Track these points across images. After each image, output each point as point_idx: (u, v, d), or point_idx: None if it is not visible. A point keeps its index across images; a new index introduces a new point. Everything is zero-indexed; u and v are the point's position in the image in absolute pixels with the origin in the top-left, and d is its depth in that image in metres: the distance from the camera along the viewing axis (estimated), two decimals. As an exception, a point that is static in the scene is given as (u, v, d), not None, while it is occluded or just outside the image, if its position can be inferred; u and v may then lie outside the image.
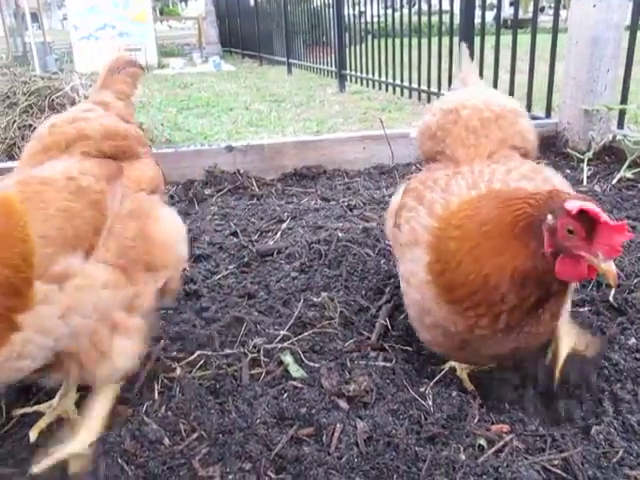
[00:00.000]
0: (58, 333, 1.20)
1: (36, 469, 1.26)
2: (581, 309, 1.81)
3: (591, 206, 1.05)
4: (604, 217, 1.05)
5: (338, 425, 1.32)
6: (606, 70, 3.38)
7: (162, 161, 3.02)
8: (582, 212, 1.05)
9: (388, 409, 1.36)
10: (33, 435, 1.39)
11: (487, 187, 1.34)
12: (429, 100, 6.26)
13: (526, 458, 1.22)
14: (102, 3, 12.99)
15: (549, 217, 1.10)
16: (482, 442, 1.26)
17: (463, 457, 1.21)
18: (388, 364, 1.55)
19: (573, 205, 1.06)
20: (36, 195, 1.24)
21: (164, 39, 17.54)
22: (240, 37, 15.35)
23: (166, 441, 1.32)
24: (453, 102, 1.60)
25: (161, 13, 25.56)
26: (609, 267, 1.06)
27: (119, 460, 1.26)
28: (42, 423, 1.42)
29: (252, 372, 1.55)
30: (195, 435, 1.34)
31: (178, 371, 1.56)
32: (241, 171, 3.13)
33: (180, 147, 3.33)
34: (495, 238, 1.16)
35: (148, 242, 1.39)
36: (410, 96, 6.77)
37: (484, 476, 1.16)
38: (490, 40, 5.07)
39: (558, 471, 1.21)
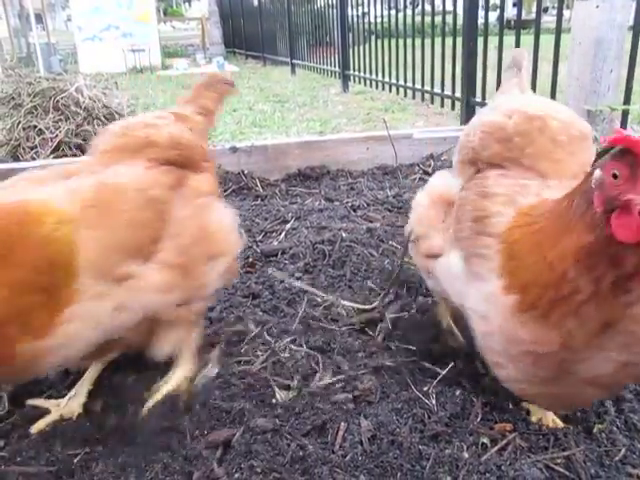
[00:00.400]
0: (108, 326, 1.30)
1: (146, 409, 1.42)
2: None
3: (633, 139, 0.92)
4: None
5: (342, 424, 1.33)
6: (609, 71, 3.39)
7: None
8: (625, 150, 0.93)
9: (392, 408, 1.37)
10: (35, 430, 1.42)
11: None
12: (432, 101, 6.27)
13: (529, 456, 1.23)
14: (106, 4, 13.04)
15: (597, 172, 1.00)
16: (485, 440, 1.27)
17: (466, 455, 1.22)
18: (392, 363, 1.56)
19: (615, 143, 0.95)
20: (108, 204, 1.32)
21: (167, 40, 17.58)
22: (244, 38, 15.39)
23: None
24: (538, 109, 1.46)
25: (165, 14, 25.62)
26: None
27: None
28: (47, 420, 1.45)
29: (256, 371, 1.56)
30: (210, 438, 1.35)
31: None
32: (245, 171, 3.14)
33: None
34: (555, 220, 1.09)
35: (207, 238, 1.50)
36: (413, 97, 6.77)
37: (487, 474, 1.17)
38: (493, 41, 5.08)
39: (561, 469, 1.22)
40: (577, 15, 3.50)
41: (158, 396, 1.46)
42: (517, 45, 4.58)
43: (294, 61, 11.33)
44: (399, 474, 1.21)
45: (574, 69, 3.51)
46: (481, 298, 1.24)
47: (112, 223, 1.30)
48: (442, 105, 6.09)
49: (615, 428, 1.35)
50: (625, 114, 3.60)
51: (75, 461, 1.32)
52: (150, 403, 1.45)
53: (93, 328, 1.27)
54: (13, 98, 4.93)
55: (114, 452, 1.34)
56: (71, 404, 1.49)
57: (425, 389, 1.45)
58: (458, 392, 1.45)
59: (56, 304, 1.20)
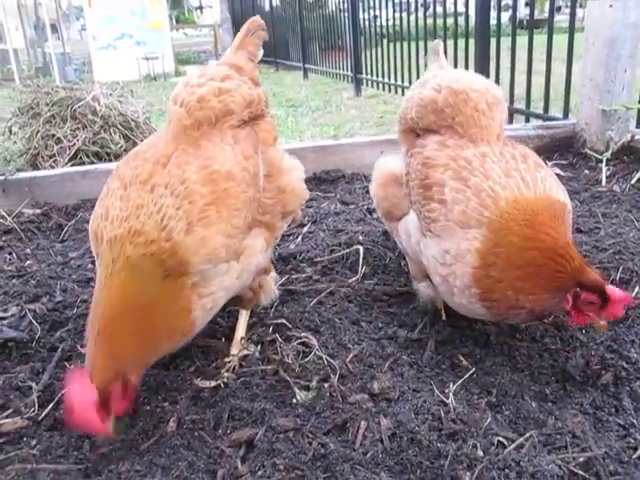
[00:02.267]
0: (235, 288, 1.55)
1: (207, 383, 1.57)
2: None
3: (612, 290, 1.37)
4: (618, 295, 1.37)
5: (362, 422, 1.36)
6: (623, 70, 3.38)
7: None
8: (602, 291, 1.37)
9: (411, 407, 1.40)
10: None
11: (521, 177, 1.52)
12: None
13: (547, 453, 1.25)
14: (120, 13, 13.20)
15: (577, 289, 1.39)
16: (501, 439, 1.29)
17: (482, 453, 1.24)
18: (412, 363, 1.58)
19: (607, 289, 1.37)
20: (225, 192, 1.44)
21: (180, 47, 17.72)
22: (256, 43, 15.47)
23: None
24: (460, 83, 1.73)
25: (177, 21, 25.81)
26: (605, 324, 1.45)
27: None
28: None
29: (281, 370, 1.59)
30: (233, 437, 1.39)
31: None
32: (261, 176, 3.18)
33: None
34: (535, 279, 1.41)
35: (282, 195, 1.69)
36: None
37: (506, 470, 1.19)
38: (506, 41, 5.08)
39: (579, 467, 1.23)
40: (590, 14, 3.49)
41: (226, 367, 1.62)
42: (530, 45, 4.59)
43: (306, 66, 11.39)
44: (419, 471, 1.23)
45: (588, 69, 3.51)
46: (437, 253, 1.54)
47: (232, 210, 1.45)
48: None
49: (633, 425, 1.36)
50: (640, 113, 3.60)
51: (102, 460, 1.36)
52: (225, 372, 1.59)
53: (224, 295, 1.51)
54: (32, 108, 5.01)
55: (140, 451, 1.38)
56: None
57: (444, 389, 1.48)
58: (476, 392, 1.48)
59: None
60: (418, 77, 6.92)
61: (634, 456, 1.27)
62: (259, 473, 1.27)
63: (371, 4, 8.39)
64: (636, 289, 1.93)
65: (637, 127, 3.58)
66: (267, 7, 14.41)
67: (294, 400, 1.47)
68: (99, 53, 13.30)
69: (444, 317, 1.81)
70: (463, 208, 1.49)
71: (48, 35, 13.13)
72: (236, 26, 16.36)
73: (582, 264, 1.41)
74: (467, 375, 1.54)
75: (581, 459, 1.25)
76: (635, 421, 1.38)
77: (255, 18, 1.92)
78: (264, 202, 1.63)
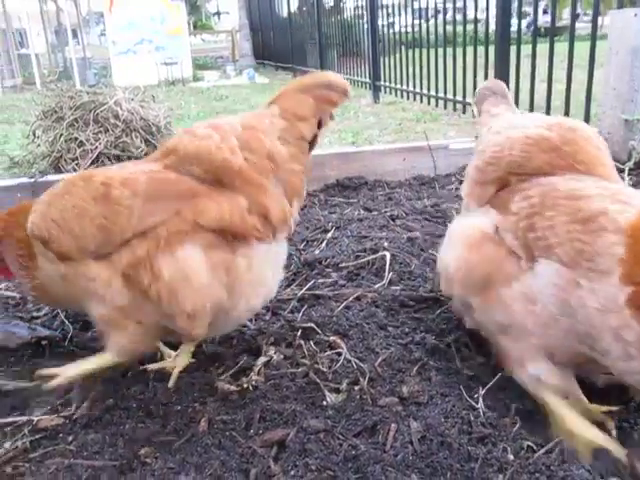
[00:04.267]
0: None
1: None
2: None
3: None
4: None
5: (392, 425, 1.38)
6: (646, 80, 3.39)
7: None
8: None
9: (440, 411, 1.42)
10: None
11: None
12: (464, 111, 6.29)
13: (577, 458, 1.26)
14: (139, 19, 13.37)
15: None
16: (531, 444, 1.30)
17: (512, 457, 1.26)
18: (439, 368, 1.61)
19: None
20: None
21: (198, 52, 17.89)
22: (274, 49, 15.59)
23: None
24: (569, 122, 1.59)
25: (194, 27, 26.05)
26: None
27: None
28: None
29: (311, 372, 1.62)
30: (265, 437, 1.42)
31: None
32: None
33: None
34: None
35: None
36: (445, 107, 6.80)
37: (537, 474, 1.20)
38: (525, 49, 5.09)
39: (608, 473, 1.24)
40: (614, 24, 3.51)
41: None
42: (551, 52, 4.60)
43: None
44: (449, 474, 1.25)
45: (611, 78, 3.52)
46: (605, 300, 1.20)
47: None
48: (474, 115, 6.11)
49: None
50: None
51: (136, 457, 1.39)
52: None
53: None
54: (55, 111, 5.09)
55: (172, 450, 1.41)
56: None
57: (473, 394, 1.49)
58: (503, 397, 1.49)
59: None
60: (437, 84, 6.94)
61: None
62: (292, 473, 1.30)
63: (389, 11, 8.42)
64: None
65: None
66: (285, 13, 14.52)
67: (324, 402, 1.50)
68: (119, 58, 13.48)
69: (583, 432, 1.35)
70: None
71: (69, 40, 13.33)
72: (254, 32, 16.52)
73: None
74: (495, 380, 1.55)
75: (609, 466, 1.26)
76: (663, 427, 1.39)
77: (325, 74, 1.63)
78: None
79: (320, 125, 1.59)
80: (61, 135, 4.80)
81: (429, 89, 7.14)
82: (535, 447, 1.30)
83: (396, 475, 1.26)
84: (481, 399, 1.46)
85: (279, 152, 1.51)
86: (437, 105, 7.03)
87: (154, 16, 13.52)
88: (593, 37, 4.09)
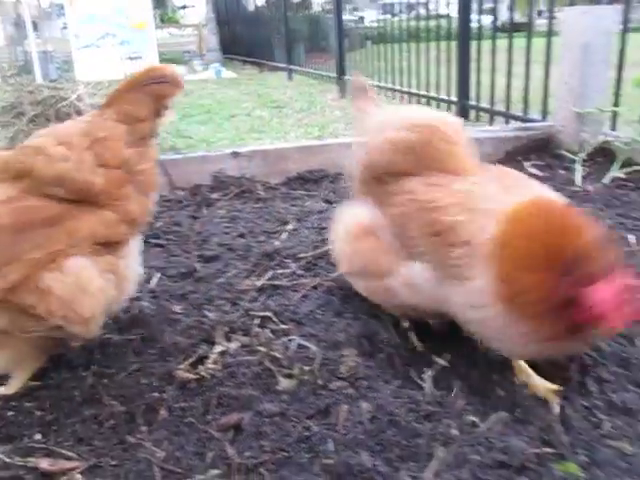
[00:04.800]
0: None
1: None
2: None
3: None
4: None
5: (344, 406, 1.44)
6: (597, 74, 3.50)
7: (170, 167, 3.17)
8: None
9: (390, 392, 1.48)
10: None
11: (520, 193, 1.44)
12: (428, 105, 6.39)
13: (515, 432, 1.34)
14: (103, 12, 13.12)
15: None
16: (475, 419, 1.38)
17: (456, 432, 1.33)
18: (392, 353, 1.67)
19: None
20: None
21: (165, 47, 17.67)
22: (241, 44, 15.52)
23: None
24: (427, 119, 1.68)
25: (162, 21, 25.70)
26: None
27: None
28: None
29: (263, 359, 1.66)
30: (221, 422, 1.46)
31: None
32: (246, 176, 3.25)
33: (187, 154, 3.46)
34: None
35: None
36: (410, 101, 6.90)
37: (478, 446, 1.27)
38: (488, 44, 5.21)
39: (544, 444, 1.32)
40: (566, 21, 3.62)
41: None
42: (510, 48, 4.72)
43: (291, 67, 11.47)
44: (397, 449, 1.31)
45: (564, 73, 3.63)
46: (471, 296, 1.41)
47: None
48: (438, 108, 6.22)
49: (596, 407, 1.45)
50: (614, 116, 3.72)
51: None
52: None
53: None
54: (15, 107, 5.03)
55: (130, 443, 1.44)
56: None
57: (421, 374, 1.57)
58: (449, 375, 1.57)
59: None
60: (402, 79, 7.04)
61: (599, 433, 1.36)
62: (247, 454, 1.35)
63: (355, 6, 8.49)
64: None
65: (611, 129, 3.71)
66: (251, 7, 14.48)
67: (278, 387, 1.55)
68: (81, 52, 13.21)
69: (417, 343, 1.71)
70: (485, 238, 1.38)
71: (29, 33, 13.05)
72: (221, 26, 16.40)
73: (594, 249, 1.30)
74: (443, 363, 1.62)
75: (546, 436, 1.34)
76: (599, 403, 1.47)
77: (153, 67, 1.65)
78: None
79: (159, 117, 1.62)
80: (22, 131, 4.74)
81: (394, 83, 7.24)
82: (479, 422, 1.37)
83: (347, 453, 1.31)
84: (428, 379, 1.53)
85: (130, 158, 1.55)
86: (402, 99, 7.12)
87: (118, 9, 13.30)
88: (549, 34, 4.22)
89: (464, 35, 5.58)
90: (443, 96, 6.10)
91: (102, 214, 1.52)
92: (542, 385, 1.53)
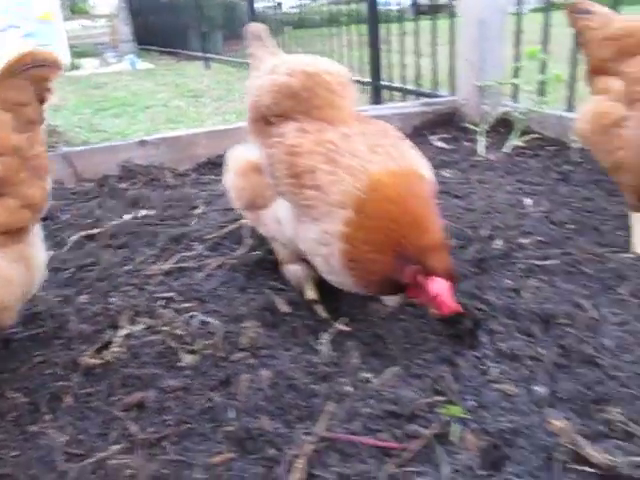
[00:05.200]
0: None
1: None
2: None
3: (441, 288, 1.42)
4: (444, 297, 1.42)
5: (245, 376, 1.48)
6: (493, 50, 3.66)
7: (75, 159, 3.10)
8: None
9: (289, 358, 1.53)
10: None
11: (385, 152, 1.57)
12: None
13: (407, 384, 1.41)
14: (5, 3, 12.45)
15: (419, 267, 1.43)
16: (368, 375, 1.44)
17: (350, 388, 1.40)
18: (292, 321, 1.72)
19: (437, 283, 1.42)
20: None
21: (76, 39, 17.01)
22: (156, 34, 15.12)
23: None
24: (312, 66, 1.74)
25: (72, 12, 24.67)
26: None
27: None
28: None
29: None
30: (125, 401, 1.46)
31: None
32: (155, 164, 3.21)
33: (94, 145, 3.38)
34: (387, 244, 1.46)
35: None
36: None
37: (369, 399, 1.34)
38: (407, 26, 5.31)
39: (432, 392, 1.41)
40: (464, 0, 3.75)
41: None
42: (417, 30, 4.83)
43: (208, 55, 11.30)
44: (296, 411, 1.36)
45: (464, 49, 3.76)
46: (317, 235, 1.56)
47: None
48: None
49: (487, 356, 1.54)
50: (514, 89, 3.89)
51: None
52: None
53: None
54: None
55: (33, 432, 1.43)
56: None
57: (317, 339, 1.63)
58: (347, 341, 1.63)
59: None
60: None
61: (487, 378, 1.45)
62: (150, 430, 1.36)
63: None
64: (498, 241, 2.15)
65: (513, 101, 3.87)
66: (164, -4, 14.13)
67: (181, 364, 1.57)
68: (-17, 46, 12.55)
69: (311, 296, 1.82)
70: (339, 188, 1.51)
71: None
72: (134, 15, 15.91)
73: (434, 246, 1.44)
74: (342, 327, 1.69)
75: (437, 386, 1.42)
76: (489, 352, 1.56)
77: (30, 51, 1.58)
78: None
79: (43, 101, 1.61)
80: None
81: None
82: (371, 378, 1.44)
83: (248, 419, 1.35)
84: (326, 342, 1.59)
85: (20, 144, 1.54)
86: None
87: (21, 0, 12.67)
88: (451, 15, 4.35)
89: (373, 18, 5.66)
90: (358, 78, 6.18)
91: (4, 201, 1.50)
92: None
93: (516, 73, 3.88)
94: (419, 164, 1.61)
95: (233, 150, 1.96)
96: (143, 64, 12.41)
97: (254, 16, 8.77)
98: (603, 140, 2.10)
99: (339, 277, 1.58)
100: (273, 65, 1.81)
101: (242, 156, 1.88)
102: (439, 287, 1.40)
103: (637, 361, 1.50)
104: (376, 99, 5.66)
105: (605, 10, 2.24)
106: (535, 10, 6.57)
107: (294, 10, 8.05)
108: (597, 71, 2.19)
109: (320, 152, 1.56)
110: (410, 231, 1.44)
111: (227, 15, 11.37)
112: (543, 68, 3.57)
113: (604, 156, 2.13)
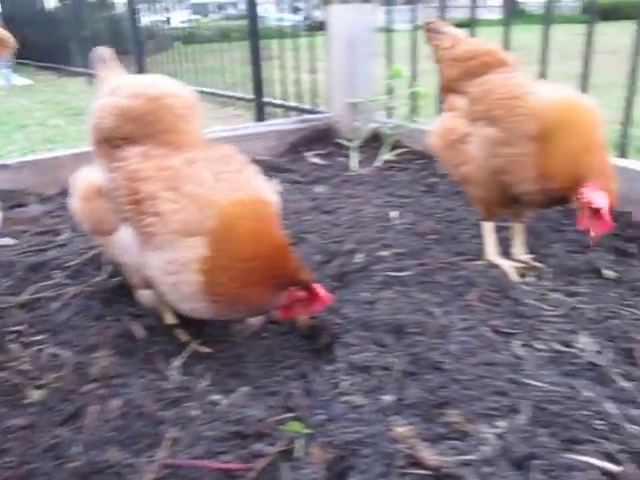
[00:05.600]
0: None
1: None
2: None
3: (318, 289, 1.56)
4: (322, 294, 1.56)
5: (94, 407, 1.45)
6: (363, 67, 3.81)
7: None
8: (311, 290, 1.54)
9: (140, 385, 1.51)
10: None
11: (230, 179, 1.57)
12: (230, 104, 6.48)
13: (258, 401, 1.44)
14: None
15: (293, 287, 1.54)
16: (215, 397, 1.46)
17: (197, 412, 1.40)
18: (143, 345, 1.72)
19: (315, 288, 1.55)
20: None
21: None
22: (34, 47, 14.37)
23: None
24: (157, 89, 1.70)
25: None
26: (306, 318, 1.76)
27: None
28: None
29: None
30: None
31: None
32: (18, 189, 3.06)
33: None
34: (257, 278, 1.50)
35: None
36: (211, 101, 6.94)
37: (215, 422, 1.35)
38: (291, 43, 5.36)
39: (281, 409, 1.44)
40: (331, 18, 3.87)
41: None
42: (296, 46, 4.94)
43: (91, 71, 10.87)
44: (146, 439, 1.35)
45: (334, 67, 3.89)
46: (161, 264, 1.53)
47: None
48: (236, 107, 6.34)
49: (338, 370, 1.59)
50: (388, 105, 4.05)
51: None
52: None
53: None
54: None
55: None
56: None
57: (168, 365, 1.62)
58: (196, 362, 1.64)
59: None
60: (206, 79, 7.04)
61: (337, 391, 1.50)
62: None
63: (158, 8, 8.16)
64: (359, 255, 2.24)
65: (387, 117, 4.04)
66: (45, 6, 13.50)
67: (27, 400, 1.51)
68: None
69: (171, 320, 1.81)
70: (182, 217, 1.49)
71: None
72: (9, 28, 15.05)
73: (298, 264, 1.55)
74: (200, 349, 1.70)
75: (289, 403, 1.45)
76: (342, 365, 1.61)
77: None
78: None
79: None
80: None
81: (199, 84, 7.20)
82: (220, 399, 1.45)
83: (95, 452, 1.32)
84: (177, 367, 1.59)
85: None
86: (204, 99, 7.13)
87: None
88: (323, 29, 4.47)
89: (253, 34, 5.70)
90: (243, 95, 6.21)
91: None
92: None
93: (390, 90, 4.06)
94: (264, 190, 1.62)
95: (79, 173, 1.89)
96: (20, 79, 11.79)
97: (138, 31, 8.56)
98: (451, 155, 2.25)
99: (190, 305, 1.56)
100: (115, 86, 1.75)
101: (87, 179, 1.82)
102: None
103: (479, 364, 1.60)
104: (260, 116, 5.70)
105: (456, 31, 2.39)
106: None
107: (184, 25, 7.92)
108: (448, 89, 2.33)
109: (162, 178, 1.53)
110: (278, 261, 1.50)
111: (111, 29, 11.03)
112: (411, 84, 3.76)
113: (453, 170, 2.28)
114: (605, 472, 1.19)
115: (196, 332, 1.78)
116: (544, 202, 2.08)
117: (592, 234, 1.84)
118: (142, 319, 1.83)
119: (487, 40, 2.36)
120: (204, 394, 1.46)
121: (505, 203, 2.18)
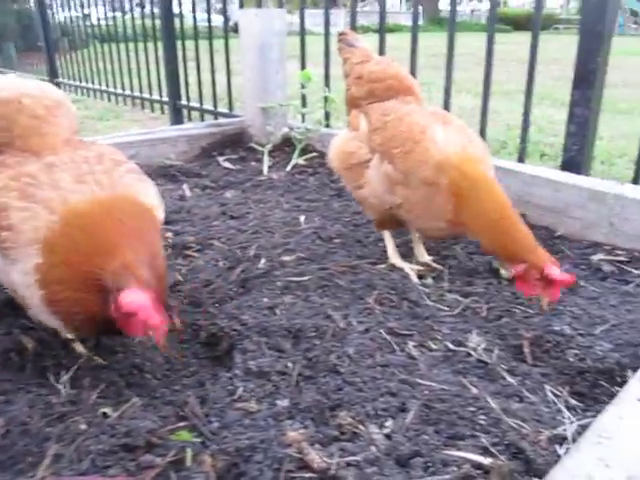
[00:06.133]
0: None
1: None
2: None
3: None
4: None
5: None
6: (275, 72, 3.83)
7: None
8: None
9: (27, 401, 1.46)
10: None
11: (95, 180, 1.48)
12: (144, 106, 6.34)
13: (150, 412, 1.43)
14: None
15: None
16: (105, 410, 1.44)
17: (85, 426, 1.37)
18: (36, 360, 1.66)
19: None
20: None
21: None
22: None
23: None
24: (5, 91, 1.60)
25: None
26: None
27: None
28: None
29: None
30: None
31: None
32: None
33: None
34: (79, 283, 1.38)
35: None
36: (125, 103, 6.78)
37: (102, 435, 1.33)
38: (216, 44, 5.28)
39: (180, 419, 1.44)
40: (242, 23, 3.87)
41: None
42: (211, 49, 4.89)
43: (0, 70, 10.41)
44: (29, 458, 1.31)
45: (247, 71, 3.89)
46: (18, 278, 1.45)
47: None
48: (152, 110, 6.21)
49: (237, 376, 1.60)
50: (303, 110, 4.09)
51: None
52: None
53: None
54: None
55: None
56: None
57: (58, 379, 1.58)
58: (86, 374, 1.61)
59: None
60: (123, 81, 6.83)
61: (234, 398, 1.51)
62: None
63: (75, 2, 7.82)
64: (262, 260, 2.25)
65: (302, 122, 4.08)
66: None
67: None
68: None
69: (67, 335, 1.71)
70: (31, 225, 1.39)
71: None
72: None
73: (127, 265, 1.34)
74: (97, 360, 1.67)
75: (182, 412, 1.45)
76: (239, 372, 1.62)
77: None
78: None
79: None
80: None
81: (115, 86, 6.99)
82: (110, 412, 1.43)
83: (-27, 478, 1.27)
84: (66, 380, 1.56)
85: None
86: (118, 102, 6.95)
87: None
88: (226, 35, 4.45)
89: (168, 35, 5.59)
90: (158, 97, 6.09)
91: None
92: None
93: (302, 95, 4.10)
94: (136, 189, 1.54)
95: None
96: None
97: (48, 26, 8.19)
98: (350, 176, 2.29)
99: (48, 320, 1.49)
100: None
101: None
102: (136, 301, 1.28)
103: (374, 365, 1.64)
104: (176, 119, 5.61)
105: (366, 46, 2.41)
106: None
107: (103, 22, 7.64)
108: (352, 104, 2.35)
109: (15, 188, 1.42)
110: (101, 259, 1.34)
111: (22, 24, 10.56)
112: (324, 89, 3.81)
113: (351, 189, 2.32)
114: (477, 465, 1.25)
115: (95, 345, 1.75)
116: (444, 237, 2.13)
117: (543, 301, 1.81)
118: (34, 332, 1.77)
119: (400, 49, 2.39)
120: (94, 407, 1.44)
121: (400, 223, 2.24)
